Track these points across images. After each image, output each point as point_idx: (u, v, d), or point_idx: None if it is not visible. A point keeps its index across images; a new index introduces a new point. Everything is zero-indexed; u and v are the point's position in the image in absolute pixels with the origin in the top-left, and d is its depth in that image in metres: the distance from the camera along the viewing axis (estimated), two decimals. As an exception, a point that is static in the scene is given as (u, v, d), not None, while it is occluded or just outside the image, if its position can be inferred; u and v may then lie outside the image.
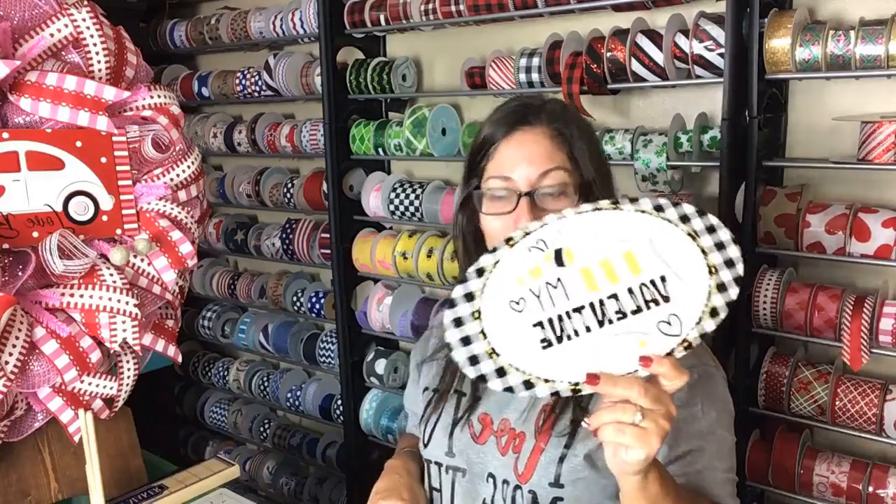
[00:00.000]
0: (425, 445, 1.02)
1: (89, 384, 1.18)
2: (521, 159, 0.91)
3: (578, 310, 0.71)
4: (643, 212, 0.75)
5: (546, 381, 0.69)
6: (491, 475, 0.93)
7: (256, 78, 2.35)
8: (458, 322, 0.74)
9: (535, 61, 1.74)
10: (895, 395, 1.41)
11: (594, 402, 0.87)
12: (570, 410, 0.89)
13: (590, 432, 0.83)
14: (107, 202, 1.18)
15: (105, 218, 1.18)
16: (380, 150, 2.07)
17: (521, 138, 0.92)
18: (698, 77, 1.53)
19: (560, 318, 0.71)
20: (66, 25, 1.11)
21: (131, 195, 1.20)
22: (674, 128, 1.60)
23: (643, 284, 0.71)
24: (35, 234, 1.11)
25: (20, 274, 1.07)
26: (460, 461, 0.97)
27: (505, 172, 0.91)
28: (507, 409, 0.95)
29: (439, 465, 0.99)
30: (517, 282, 0.75)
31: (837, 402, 1.45)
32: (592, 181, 0.92)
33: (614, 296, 0.71)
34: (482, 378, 0.71)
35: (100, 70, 1.15)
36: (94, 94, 1.11)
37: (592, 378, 0.66)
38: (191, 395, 2.93)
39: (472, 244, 0.99)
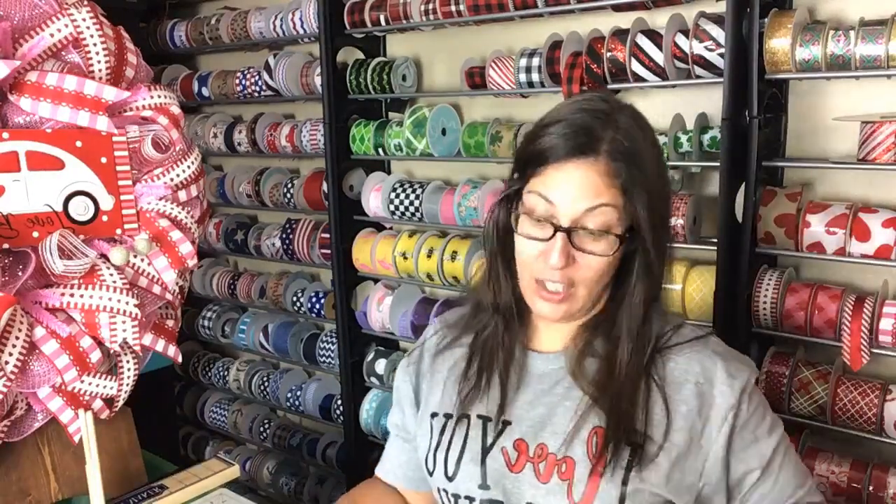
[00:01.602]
0: (450, 479, 0.93)
1: (89, 384, 1.18)
2: (569, 190, 0.83)
3: None
4: None
5: None
6: None
7: (256, 78, 2.35)
8: None
9: (535, 61, 1.74)
10: (895, 395, 1.41)
11: (652, 427, 0.85)
12: (624, 436, 0.84)
13: (651, 459, 0.83)
14: (107, 202, 1.18)
15: (105, 218, 1.18)
16: (380, 150, 2.07)
17: (576, 167, 0.83)
18: (698, 77, 1.53)
19: None
20: (66, 25, 1.11)
21: (131, 195, 1.20)
22: (674, 128, 1.60)
23: None
24: (35, 234, 1.11)
25: (20, 274, 1.07)
26: (497, 493, 0.89)
27: (549, 196, 0.84)
28: (543, 434, 0.88)
29: (471, 499, 0.91)
30: None
31: (837, 402, 1.45)
32: (640, 229, 0.84)
33: None
34: None
35: (100, 70, 1.15)
36: (95, 94, 1.11)
37: None
38: (191, 395, 2.93)
39: (498, 247, 0.93)
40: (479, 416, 0.94)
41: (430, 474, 0.96)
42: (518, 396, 0.92)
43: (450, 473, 0.93)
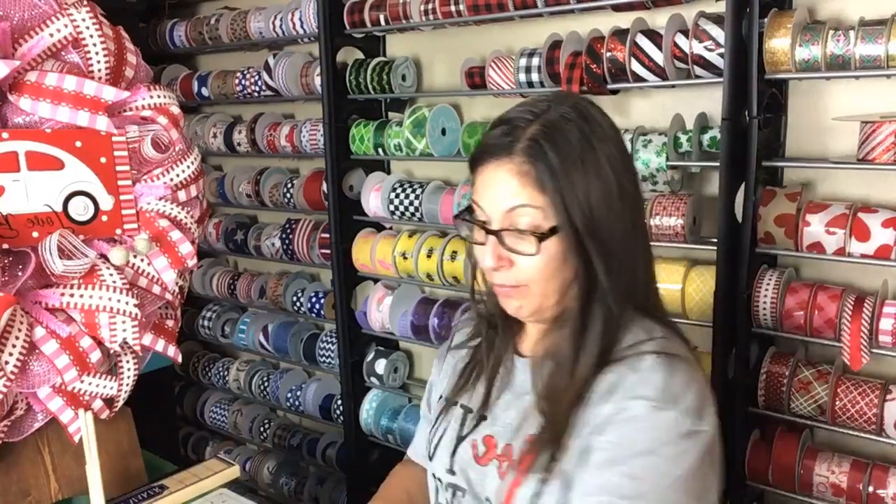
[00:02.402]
0: (430, 459, 0.99)
1: (89, 384, 1.18)
2: (489, 194, 0.85)
3: None
4: None
5: None
6: (488, 499, 0.89)
7: (256, 78, 2.35)
8: None
9: (535, 61, 1.74)
10: (895, 395, 1.41)
11: (573, 437, 0.82)
12: (549, 446, 0.83)
13: (566, 472, 0.81)
14: (107, 202, 1.17)
15: (105, 218, 1.18)
16: (380, 150, 2.07)
17: (492, 171, 0.84)
18: (698, 77, 1.53)
19: None
20: (66, 25, 1.11)
21: (131, 195, 1.20)
22: (674, 128, 1.60)
23: None
24: (35, 234, 1.11)
25: (20, 274, 1.07)
26: (461, 480, 0.93)
27: (478, 200, 0.86)
28: (516, 438, 0.88)
29: (440, 480, 0.96)
30: None
31: (837, 402, 1.45)
32: (565, 225, 0.81)
33: None
34: None
35: (99, 70, 1.15)
36: (94, 94, 1.11)
37: None
38: (191, 395, 2.93)
39: (473, 260, 0.95)
40: (462, 406, 0.98)
41: (426, 451, 1.03)
42: (501, 397, 0.95)
43: (430, 453, 0.99)
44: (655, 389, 0.80)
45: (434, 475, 0.98)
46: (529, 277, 0.85)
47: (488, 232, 0.85)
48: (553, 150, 0.81)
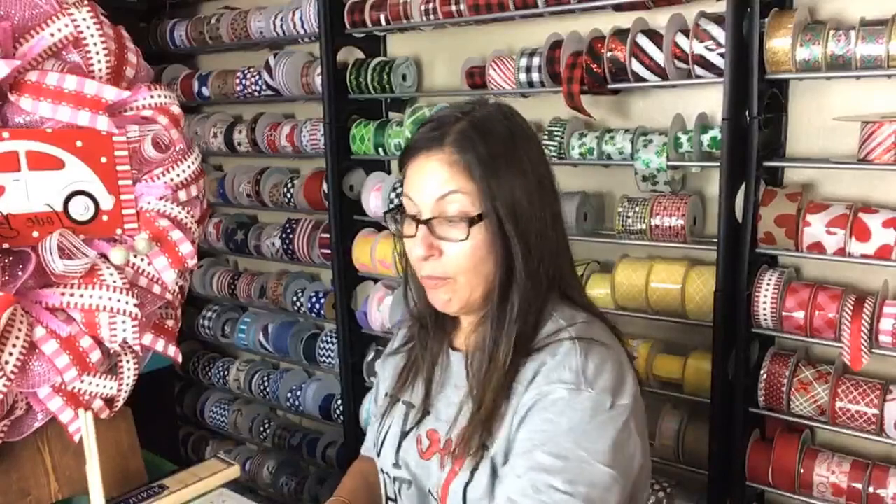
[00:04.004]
0: (378, 454, 1.03)
1: (89, 384, 1.18)
2: (420, 184, 0.89)
3: None
4: None
5: None
6: (430, 491, 0.93)
7: (256, 78, 2.35)
8: None
9: (536, 61, 1.74)
10: (895, 395, 1.41)
11: (503, 426, 0.86)
12: (479, 433, 0.87)
13: (483, 463, 0.84)
14: (107, 202, 1.17)
15: (105, 218, 1.17)
16: (380, 149, 2.07)
17: (422, 162, 0.89)
18: (698, 77, 1.53)
19: None
20: (67, 25, 1.11)
21: (131, 195, 1.20)
22: (674, 128, 1.60)
23: None
24: (35, 234, 1.11)
25: (20, 274, 1.07)
26: (405, 473, 0.97)
27: (408, 192, 0.90)
28: (455, 429, 0.91)
29: (387, 474, 1.00)
30: None
31: (837, 403, 1.45)
32: (492, 212, 0.86)
33: None
34: None
35: (100, 70, 1.15)
36: (95, 94, 1.11)
37: None
38: (191, 395, 2.93)
39: (404, 259, 0.97)
40: (404, 402, 1.02)
41: (374, 447, 1.07)
42: (442, 392, 0.98)
43: (377, 449, 1.03)
44: (572, 373, 0.84)
45: (382, 470, 1.02)
46: (458, 266, 0.88)
47: (419, 222, 0.88)
48: (482, 141, 0.88)
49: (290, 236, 2.34)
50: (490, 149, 0.88)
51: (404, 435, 0.99)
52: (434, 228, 0.88)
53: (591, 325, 0.91)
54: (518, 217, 0.87)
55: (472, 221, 0.86)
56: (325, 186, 2.21)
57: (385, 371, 1.13)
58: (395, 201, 0.94)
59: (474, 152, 0.87)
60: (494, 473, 0.85)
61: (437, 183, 0.87)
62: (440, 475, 0.91)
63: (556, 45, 1.70)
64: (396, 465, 0.98)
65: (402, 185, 0.94)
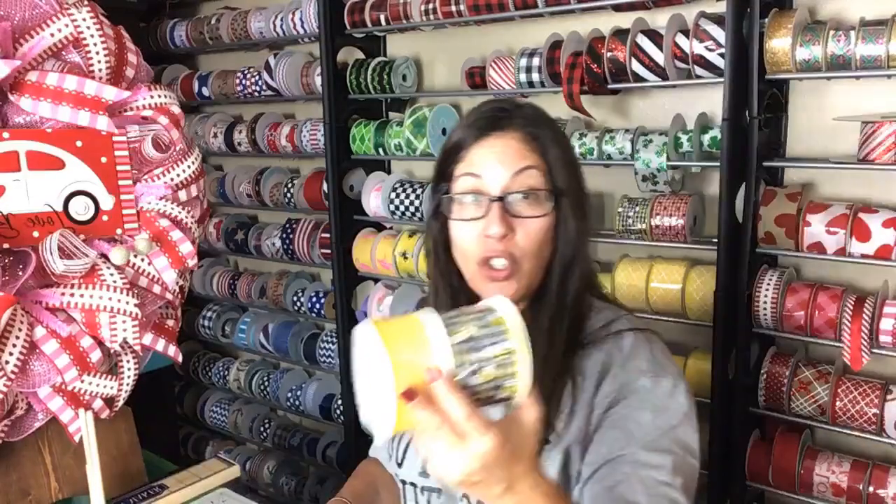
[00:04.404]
0: (399, 465, 0.99)
1: (89, 384, 1.18)
2: (493, 160, 0.87)
3: None
4: None
5: None
6: (465, 496, 0.91)
7: (256, 78, 2.35)
8: None
9: (536, 61, 1.74)
10: (895, 395, 1.41)
11: (560, 422, 0.85)
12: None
13: (552, 455, 0.83)
14: (107, 202, 1.17)
15: (105, 218, 1.18)
16: (380, 149, 2.07)
17: (493, 142, 0.88)
18: (698, 77, 1.53)
19: None
20: (67, 25, 1.11)
21: (131, 195, 1.20)
22: (674, 128, 1.60)
23: None
24: (35, 234, 1.11)
25: (20, 274, 1.07)
26: (434, 481, 0.94)
27: (475, 171, 0.88)
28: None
29: (414, 485, 0.97)
30: None
31: (838, 402, 1.45)
32: (565, 191, 0.88)
33: None
34: None
35: (100, 70, 1.15)
36: (95, 94, 1.11)
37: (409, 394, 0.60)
38: (191, 395, 2.93)
39: (443, 255, 0.94)
40: None
41: (389, 458, 1.03)
42: None
43: (399, 460, 0.99)
44: (647, 362, 0.86)
45: (405, 480, 0.98)
46: (528, 246, 0.86)
47: (492, 199, 0.86)
48: (547, 125, 0.91)
49: (290, 236, 2.34)
50: (555, 132, 0.91)
51: None
52: (509, 206, 0.86)
53: (631, 318, 0.93)
54: (579, 200, 0.89)
55: (549, 195, 0.86)
56: (325, 186, 2.21)
57: None
58: (441, 188, 0.92)
59: (549, 130, 0.89)
60: (565, 466, 0.84)
61: (513, 159, 0.86)
62: None
63: (556, 45, 1.70)
64: (424, 474, 0.95)
65: (447, 181, 0.91)
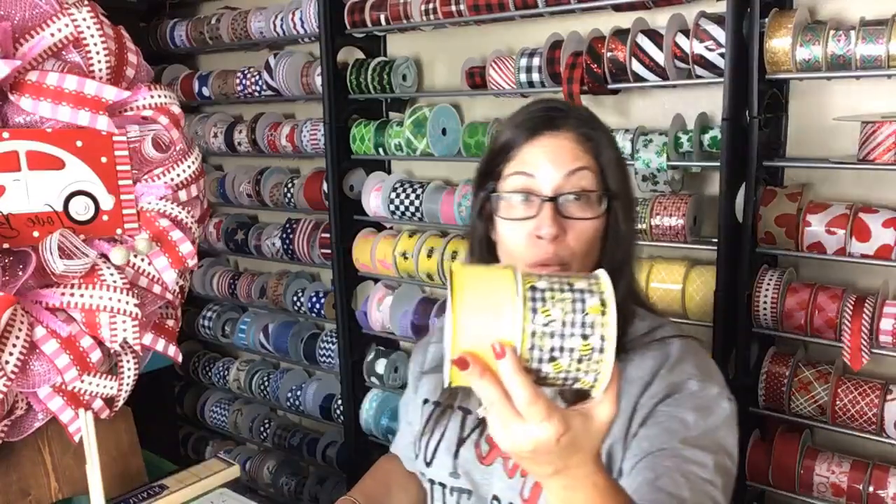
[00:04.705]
0: (427, 464, 0.98)
1: (89, 384, 1.18)
2: (546, 160, 0.85)
3: None
4: None
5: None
6: (496, 497, 0.90)
7: (257, 78, 2.35)
8: None
9: (536, 61, 1.74)
10: (895, 395, 1.41)
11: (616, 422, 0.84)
12: None
13: (609, 451, 0.81)
14: (107, 202, 1.17)
15: (105, 218, 1.17)
16: (380, 149, 2.07)
17: (545, 141, 0.86)
18: (699, 77, 1.53)
19: None
20: (67, 25, 1.11)
21: (132, 195, 1.20)
22: (674, 128, 1.60)
23: None
24: (35, 234, 1.11)
25: (20, 274, 1.07)
26: (465, 482, 0.93)
27: (527, 170, 0.86)
28: None
29: (443, 486, 0.95)
30: None
31: (838, 402, 1.45)
32: (617, 194, 0.87)
33: None
34: None
35: (100, 70, 1.15)
36: (95, 94, 1.11)
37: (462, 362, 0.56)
38: (191, 395, 2.93)
39: (486, 255, 0.93)
40: (460, 408, 0.97)
41: (416, 457, 1.01)
42: None
43: (427, 459, 0.97)
44: (695, 367, 0.86)
45: (434, 480, 0.97)
46: (578, 248, 0.85)
47: (544, 200, 0.84)
48: (600, 127, 0.90)
49: (290, 236, 2.34)
50: (608, 134, 0.90)
51: (461, 442, 0.95)
52: (560, 206, 0.84)
53: (676, 326, 0.93)
54: (629, 203, 0.89)
55: (600, 199, 0.85)
56: (325, 186, 2.21)
57: (426, 365, 1.08)
58: (489, 187, 0.91)
59: (602, 132, 0.89)
60: (608, 466, 0.83)
61: (566, 159, 0.85)
62: (511, 480, 0.88)
63: (556, 45, 1.70)
64: (455, 475, 0.94)
65: (494, 180, 0.90)
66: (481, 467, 0.92)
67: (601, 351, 0.57)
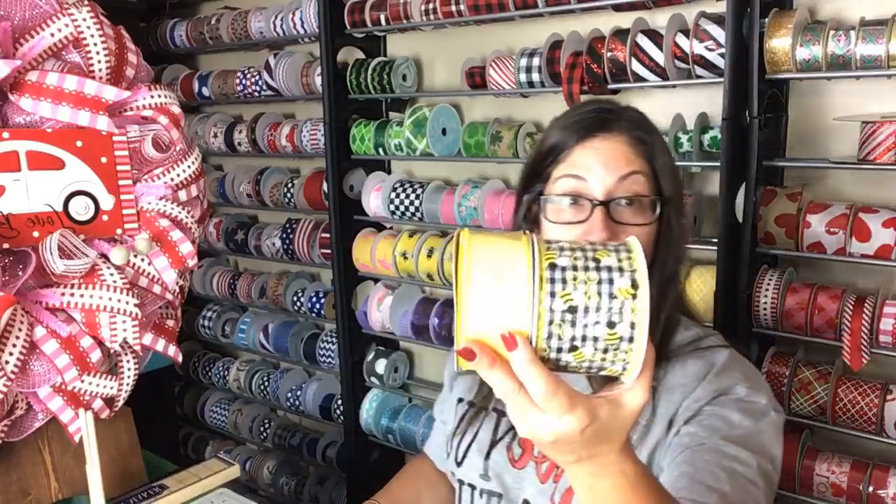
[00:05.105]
0: (458, 464, 0.96)
1: (89, 384, 1.18)
2: (598, 163, 0.82)
3: None
4: None
5: None
6: (527, 502, 0.88)
7: (257, 78, 2.35)
8: None
9: (536, 61, 1.74)
10: (895, 395, 1.41)
11: (638, 439, 0.82)
12: None
13: (649, 458, 0.79)
14: (107, 202, 1.17)
15: (105, 218, 1.17)
16: (380, 149, 2.07)
17: (598, 144, 0.83)
18: (698, 77, 1.53)
19: None
20: (67, 25, 1.11)
21: (132, 195, 1.20)
22: (674, 128, 1.60)
23: None
24: (35, 234, 1.11)
25: (20, 274, 1.07)
26: (496, 485, 0.91)
27: (578, 172, 0.83)
28: None
29: (473, 487, 0.93)
30: None
31: (838, 402, 1.45)
32: (670, 200, 0.84)
33: None
34: None
35: (100, 70, 1.15)
36: (95, 94, 1.11)
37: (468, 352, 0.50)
38: (191, 395, 2.93)
39: None
40: (494, 410, 0.95)
41: (447, 456, 1.00)
42: None
43: (458, 459, 0.95)
44: (743, 375, 0.85)
45: (464, 481, 0.95)
46: None
47: (595, 204, 0.82)
48: (655, 130, 0.87)
49: (290, 236, 2.34)
50: (661, 138, 0.87)
51: (494, 444, 0.93)
52: (612, 211, 0.82)
53: (721, 336, 0.92)
54: (681, 209, 0.87)
55: (655, 204, 0.83)
56: (325, 186, 2.21)
57: (460, 381, 1.05)
58: (536, 189, 0.88)
59: (657, 136, 0.86)
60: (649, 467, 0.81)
61: (619, 163, 0.82)
62: (543, 486, 0.86)
63: (556, 45, 1.70)
64: (485, 477, 0.92)
65: (541, 182, 0.87)
66: (513, 471, 0.90)
67: (630, 340, 0.49)
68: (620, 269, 0.49)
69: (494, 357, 0.50)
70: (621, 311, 0.48)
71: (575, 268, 0.49)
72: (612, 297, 0.48)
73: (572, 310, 0.48)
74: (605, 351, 0.50)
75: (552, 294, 0.48)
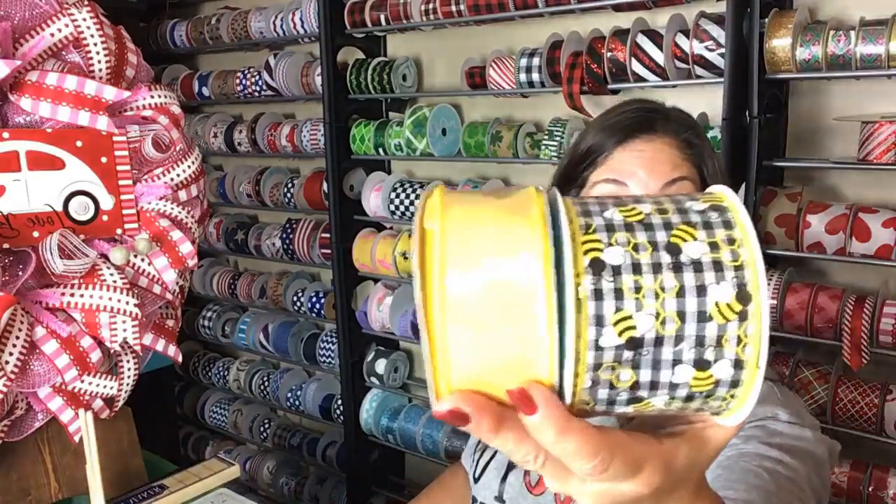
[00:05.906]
0: (475, 480, 0.92)
1: (89, 384, 1.18)
2: (641, 167, 0.75)
3: None
4: None
5: None
6: None
7: (257, 78, 2.35)
8: None
9: (536, 61, 1.74)
10: (895, 395, 1.41)
11: None
12: None
13: None
14: (107, 202, 1.17)
15: (105, 218, 1.17)
16: (380, 149, 2.07)
17: (641, 146, 0.76)
18: (699, 77, 1.53)
19: None
20: (67, 25, 1.11)
21: (132, 195, 1.20)
22: (674, 128, 1.60)
23: None
24: (35, 234, 1.11)
25: (20, 274, 1.07)
26: None
27: (618, 177, 0.76)
28: None
29: None
30: None
31: (837, 402, 1.45)
32: None
33: None
34: None
35: (100, 70, 1.15)
36: (95, 94, 1.11)
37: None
38: (191, 395, 2.93)
39: None
40: None
41: (469, 469, 0.95)
42: None
43: (476, 475, 0.92)
44: (785, 408, 0.77)
45: (476, 498, 0.90)
46: None
47: None
48: (703, 133, 0.79)
49: (290, 236, 2.34)
50: (709, 142, 0.80)
51: (511, 466, 0.87)
52: None
53: (768, 369, 0.87)
54: None
55: None
56: (325, 186, 2.21)
57: None
58: (572, 195, 0.79)
59: (705, 139, 0.79)
60: None
61: (664, 167, 0.75)
62: None
63: (556, 45, 1.70)
64: (499, 500, 0.86)
65: (577, 186, 0.81)
66: (530, 497, 0.84)
67: (734, 385, 0.30)
68: (717, 266, 0.29)
69: (500, 415, 0.31)
70: (720, 344, 0.29)
71: (637, 267, 0.29)
72: (703, 317, 0.28)
73: (634, 344, 0.28)
74: (689, 399, 0.31)
75: (598, 320, 0.28)
